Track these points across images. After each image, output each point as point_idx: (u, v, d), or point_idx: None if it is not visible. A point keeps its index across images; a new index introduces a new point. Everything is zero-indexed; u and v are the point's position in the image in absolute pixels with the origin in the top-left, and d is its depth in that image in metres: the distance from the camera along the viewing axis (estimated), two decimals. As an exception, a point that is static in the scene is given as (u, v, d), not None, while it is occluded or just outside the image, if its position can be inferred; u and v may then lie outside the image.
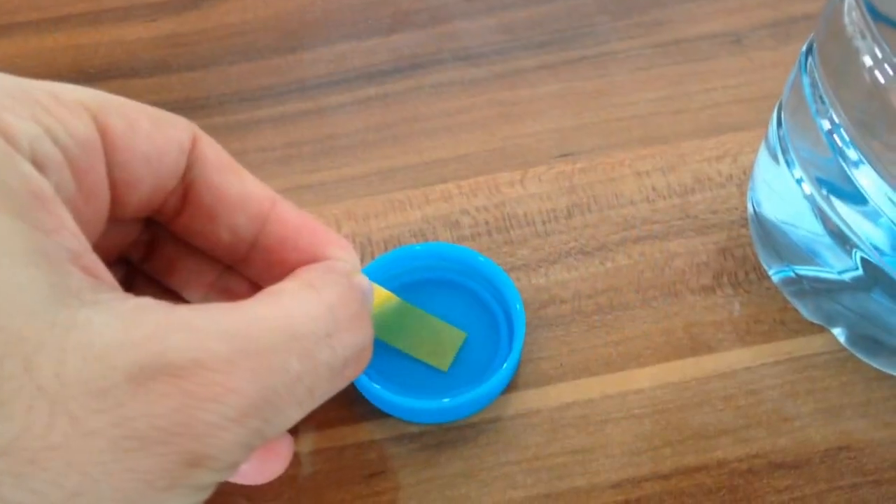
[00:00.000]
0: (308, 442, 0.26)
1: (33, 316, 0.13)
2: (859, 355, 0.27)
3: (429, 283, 0.28)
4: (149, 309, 0.14)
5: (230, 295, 0.21)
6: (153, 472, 0.14)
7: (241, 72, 0.35)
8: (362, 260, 0.29)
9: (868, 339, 0.26)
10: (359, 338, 0.17)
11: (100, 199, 0.17)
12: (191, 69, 0.35)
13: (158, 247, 0.21)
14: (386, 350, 0.27)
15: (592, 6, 0.37)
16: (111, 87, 0.34)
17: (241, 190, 0.19)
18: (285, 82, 0.34)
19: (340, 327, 0.17)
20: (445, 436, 0.26)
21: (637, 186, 0.31)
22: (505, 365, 0.25)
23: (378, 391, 0.25)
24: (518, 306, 0.26)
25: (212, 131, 0.33)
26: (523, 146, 0.33)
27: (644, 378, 0.27)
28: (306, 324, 0.16)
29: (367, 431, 0.26)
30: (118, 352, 0.13)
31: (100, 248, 0.20)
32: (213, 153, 0.19)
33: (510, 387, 0.27)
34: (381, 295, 0.25)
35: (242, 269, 0.20)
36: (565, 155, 0.32)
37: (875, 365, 0.27)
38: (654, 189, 0.31)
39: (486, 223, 0.30)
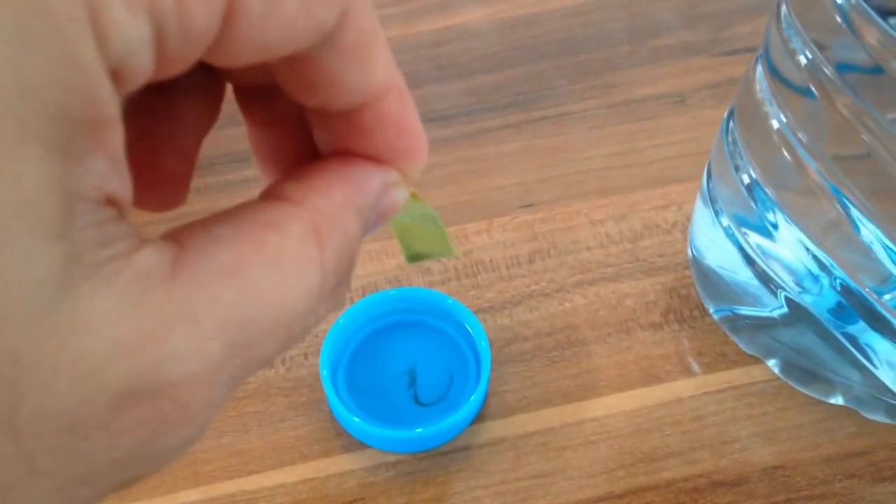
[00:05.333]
0: (294, 473, 0.28)
1: (34, 324, 0.11)
2: (792, 384, 0.30)
3: (403, 325, 0.31)
4: (150, 285, 0.12)
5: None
6: (87, 501, 0.12)
7: (229, 136, 0.38)
8: (341, 306, 0.32)
9: (799, 369, 0.29)
10: (334, 307, 0.16)
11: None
12: (184, 133, 0.38)
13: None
14: (364, 386, 0.29)
15: (550, 71, 0.40)
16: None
17: (357, 82, 0.15)
18: (271, 144, 0.38)
19: (323, 303, 0.15)
20: (419, 464, 0.28)
21: (592, 234, 0.34)
22: (473, 397, 0.28)
23: (357, 423, 0.28)
24: (484, 344, 0.29)
25: (205, 191, 0.36)
26: (489, 199, 0.36)
27: (599, 407, 0.30)
28: (296, 305, 0.14)
29: (347, 462, 0.28)
30: (110, 364, 0.11)
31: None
32: (352, 40, 0.15)
33: (478, 418, 0.29)
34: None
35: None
36: (527, 206, 0.35)
37: (806, 392, 0.30)
38: (607, 236, 0.34)
39: (456, 269, 0.33)
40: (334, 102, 0.15)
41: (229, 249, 0.13)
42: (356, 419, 0.27)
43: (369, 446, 0.29)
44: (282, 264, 0.14)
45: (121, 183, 0.12)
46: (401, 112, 0.16)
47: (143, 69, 0.11)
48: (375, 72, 0.15)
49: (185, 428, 0.12)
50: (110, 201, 0.12)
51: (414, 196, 0.21)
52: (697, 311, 0.32)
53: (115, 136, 0.11)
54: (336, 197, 0.15)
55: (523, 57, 0.41)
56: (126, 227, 0.12)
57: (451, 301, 0.30)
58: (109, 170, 0.12)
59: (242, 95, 0.17)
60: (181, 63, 0.12)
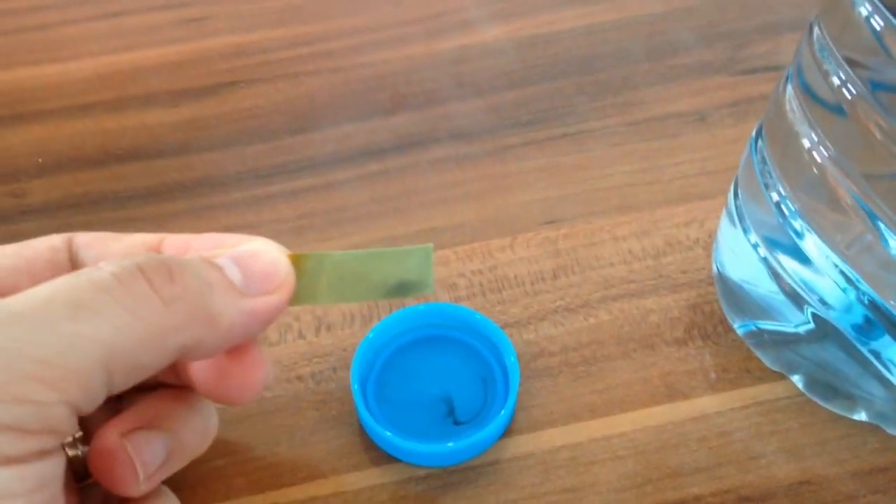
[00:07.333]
0: (325, 486, 0.28)
1: None
2: (816, 399, 0.30)
3: (431, 340, 0.31)
4: None
5: None
6: None
7: (256, 152, 0.38)
8: (370, 321, 0.32)
9: (823, 385, 0.30)
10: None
11: None
12: (210, 150, 0.38)
13: None
14: (393, 399, 0.29)
15: (571, 88, 0.41)
16: (137, 167, 0.38)
17: (123, 244, 0.22)
18: (296, 160, 0.38)
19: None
20: (449, 478, 0.29)
21: (615, 250, 0.35)
22: (502, 412, 0.28)
23: (388, 437, 0.28)
24: (512, 359, 0.29)
25: (231, 206, 0.36)
26: (512, 215, 0.36)
27: (626, 422, 0.30)
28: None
29: (378, 475, 0.29)
30: None
31: None
32: (88, 236, 0.22)
33: (506, 432, 0.29)
34: (311, 258, 0.23)
35: None
36: (550, 222, 0.36)
37: (830, 408, 0.30)
38: (630, 252, 0.35)
39: (481, 285, 0.34)
40: None
41: None
42: (388, 433, 0.28)
43: (399, 460, 0.29)
44: None
45: None
46: (187, 237, 0.24)
47: None
48: (130, 237, 0.24)
49: None
50: None
51: (298, 257, 0.22)
52: (721, 327, 0.32)
53: None
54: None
55: (543, 74, 0.42)
56: None
57: (479, 316, 0.30)
58: None
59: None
60: None
